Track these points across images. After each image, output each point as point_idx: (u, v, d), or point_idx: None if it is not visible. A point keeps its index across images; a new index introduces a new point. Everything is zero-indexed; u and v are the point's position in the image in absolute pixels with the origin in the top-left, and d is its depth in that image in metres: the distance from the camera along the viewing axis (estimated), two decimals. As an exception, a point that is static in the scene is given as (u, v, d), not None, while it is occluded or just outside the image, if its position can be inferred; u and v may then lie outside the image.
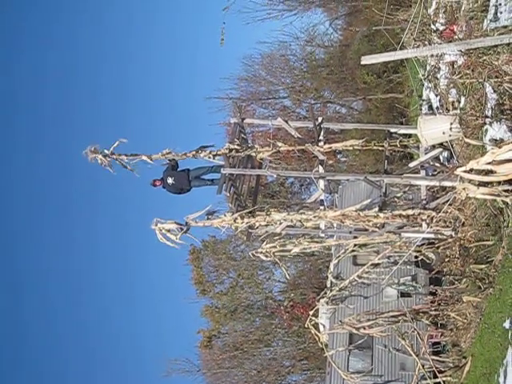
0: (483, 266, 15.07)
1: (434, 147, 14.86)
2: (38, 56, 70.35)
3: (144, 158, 15.17)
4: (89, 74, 72.12)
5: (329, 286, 21.19)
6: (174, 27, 70.82)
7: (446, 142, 14.24)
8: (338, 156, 37.45)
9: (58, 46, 71.19)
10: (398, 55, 14.09)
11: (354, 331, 17.67)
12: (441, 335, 17.66)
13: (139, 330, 60.00)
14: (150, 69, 72.42)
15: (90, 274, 63.02)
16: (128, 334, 60.08)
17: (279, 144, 15.50)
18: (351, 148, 16.04)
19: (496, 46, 12.80)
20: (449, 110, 15.16)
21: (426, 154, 15.08)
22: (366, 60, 14.11)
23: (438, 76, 16.45)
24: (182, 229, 14.46)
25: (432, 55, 15.43)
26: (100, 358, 61.13)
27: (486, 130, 13.49)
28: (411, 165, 15.30)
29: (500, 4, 13.57)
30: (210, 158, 15.16)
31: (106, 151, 15.00)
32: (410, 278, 19.86)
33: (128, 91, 71.06)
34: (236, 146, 15.04)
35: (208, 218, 14.68)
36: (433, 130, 13.96)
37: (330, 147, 15.41)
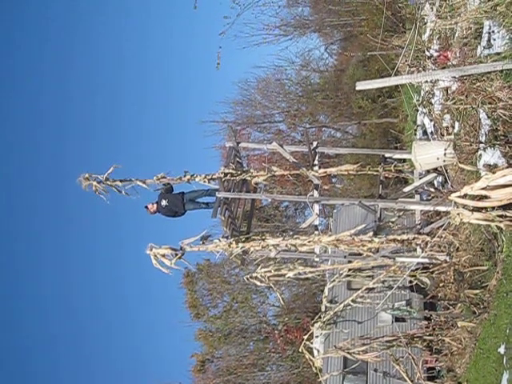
0: (478, 291, 15.06)
1: (428, 172, 14.89)
2: (30, 77, 70.66)
3: (138, 182, 15.12)
4: (83, 97, 72.36)
5: (323, 310, 21.15)
6: (170, 51, 71.38)
7: (441, 167, 14.27)
8: (333, 180, 37.53)
9: (52, 67, 71.48)
10: (392, 81, 14.18)
11: (349, 356, 17.59)
12: (435, 360, 17.58)
13: (132, 353, 59.72)
14: (145, 92, 72.77)
15: (85, 296, 62.87)
16: (121, 358, 59.79)
17: (274, 168, 15.50)
18: (346, 172, 16.06)
19: (489, 72, 12.89)
20: (443, 136, 15.21)
21: (420, 178, 15.12)
22: (361, 86, 14.18)
23: (433, 101, 16.53)
24: (176, 254, 14.41)
25: (426, 81, 15.52)
26: (93, 382, 60.75)
27: (480, 156, 13.54)
28: (406, 189, 15.32)
29: (493, 31, 13.69)
30: (204, 181, 15.16)
31: (100, 177, 14.97)
32: (404, 302, 19.81)
33: (122, 115, 71.34)
34: (231, 170, 15.05)
35: (203, 243, 14.65)
36: (427, 155, 13.99)
37: (325, 172, 15.43)
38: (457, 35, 15.37)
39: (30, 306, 63.80)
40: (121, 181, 15.09)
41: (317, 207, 14.90)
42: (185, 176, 15.16)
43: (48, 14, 71.35)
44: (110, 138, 70.11)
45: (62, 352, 60.88)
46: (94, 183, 14.98)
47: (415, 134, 19.86)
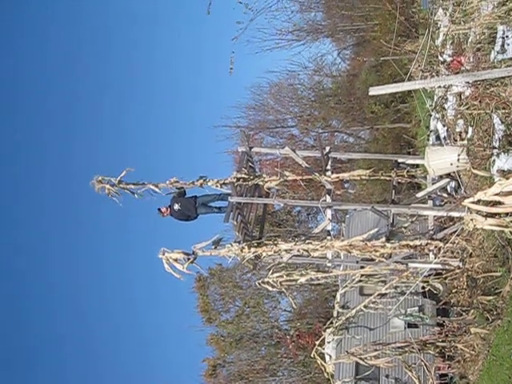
0: (491, 298, 14.99)
1: (441, 177, 14.85)
2: (39, 79, 70.97)
3: (151, 186, 15.15)
4: (94, 102, 72.65)
5: (335, 315, 21.10)
6: (183, 55, 71.48)
7: (454, 172, 14.22)
8: (346, 185, 37.46)
9: (60, 69, 71.76)
10: (405, 86, 14.14)
11: (361, 361, 17.54)
12: (448, 367, 17.49)
13: (142, 357, 59.77)
14: (157, 97, 72.96)
15: (95, 299, 63.06)
16: (131, 362, 59.84)
17: (287, 173, 15.50)
18: (359, 178, 16.02)
19: (503, 77, 12.86)
20: (456, 141, 15.18)
21: (433, 184, 15.07)
22: (374, 91, 14.14)
23: (446, 107, 16.49)
24: (188, 258, 14.42)
25: (439, 86, 15.48)
26: (104, 386, 60.93)
27: (494, 161, 13.49)
28: (419, 195, 15.26)
29: (507, 36, 13.66)
30: (217, 186, 15.17)
31: (113, 180, 15.02)
32: (417, 308, 19.72)
33: (134, 119, 71.55)
34: (243, 175, 15.05)
35: (215, 247, 14.65)
36: (440, 160, 13.95)
37: (338, 177, 15.41)
38: (470, 40, 15.34)
39: (39, 307, 63.97)
40: (134, 184, 15.13)
41: (329, 212, 14.87)
42: (198, 180, 15.19)
43: (51, 15, 71.59)
44: (121, 142, 70.32)
45: (70, 355, 60.90)
46: (107, 186, 15.03)
47: (428, 140, 19.78)
